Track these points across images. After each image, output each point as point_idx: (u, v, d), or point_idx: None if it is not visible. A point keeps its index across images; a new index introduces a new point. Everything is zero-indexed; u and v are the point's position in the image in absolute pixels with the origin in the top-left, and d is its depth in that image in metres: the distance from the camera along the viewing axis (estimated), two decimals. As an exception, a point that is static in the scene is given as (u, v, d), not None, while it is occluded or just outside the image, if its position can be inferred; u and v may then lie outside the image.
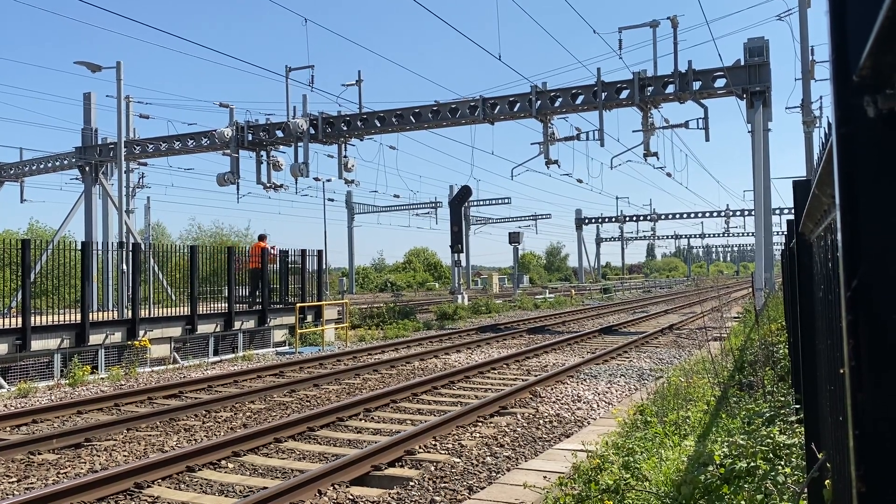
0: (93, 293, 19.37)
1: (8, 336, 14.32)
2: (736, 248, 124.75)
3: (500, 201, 64.76)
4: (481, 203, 64.30)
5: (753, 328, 15.39)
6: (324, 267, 24.63)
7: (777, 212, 53.85)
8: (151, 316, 17.87)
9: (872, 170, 0.71)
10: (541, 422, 9.78)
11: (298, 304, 20.65)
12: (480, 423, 9.68)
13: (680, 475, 4.76)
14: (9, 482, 7.37)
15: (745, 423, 6.02)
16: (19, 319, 14.79)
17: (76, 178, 31.88)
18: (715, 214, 76.30)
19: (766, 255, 21.60)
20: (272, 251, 21.44)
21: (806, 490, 3.30)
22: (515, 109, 24.75)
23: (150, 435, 9.38)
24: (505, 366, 15.31)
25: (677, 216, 78.12)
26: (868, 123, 0.70)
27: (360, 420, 10.13)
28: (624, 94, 23.17)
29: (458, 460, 7.81)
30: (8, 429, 9.98)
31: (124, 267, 19.11)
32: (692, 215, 77.67)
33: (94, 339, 15.95)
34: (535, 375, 13.63)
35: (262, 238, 21.72)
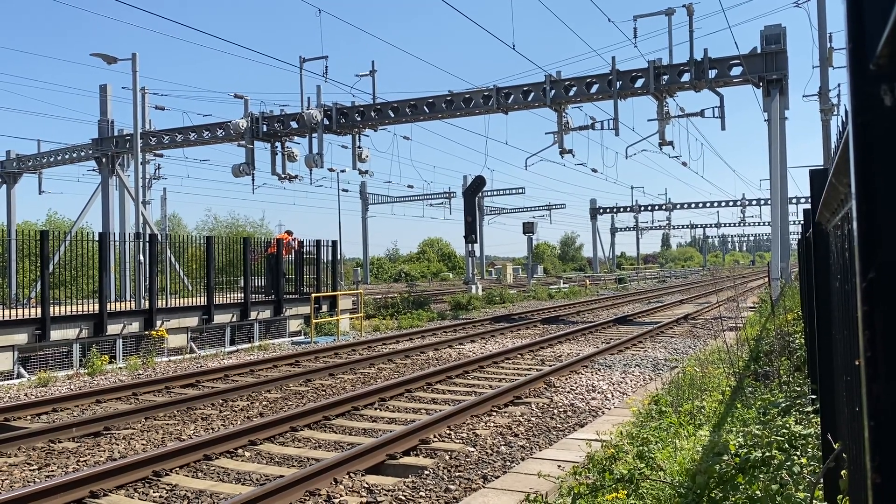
0: (110, 284, 19.56)
1: (28, 326, 14.50)
2: (752, 238, 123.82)
3: (514, 191, 64.59)
4: (495, 193, 64.16)
5: (769, 318, 15.29)
6: (338, 257, 24.71)
7: (794, 201, 53.36)
8: (168, 306, 18.03)
9: (890, 159, 0.71)
10: (555, 411, 9.79)
11: (314, 294, 20.74)
12: (495, 413, 9.71)
13: (695, 465, 4.75)
14: (30, 470, 7.48)
15: (761, 412, 5.99)
16: (39, 310, 14.97)
17: (93, 170, 32.14)
18: (731, 204, 75.78)
19: (782, 244, 21.43)
20: (294, 244, 21.79)
21: (822, 480, 3.29)
22: (529, 99, 24.64)
23: (167, 424, 9.48)
24: (519, 356, 15.31)
25: (693, 205, 77.66)
26: (885, 112, 0.70)
27: (375, 409, 10.18)
28: (639, 82, 23.00)
29: (472, 449, 7.84)
30: (28, 417, 10.13)
31: (141, 258, 19.27)
32: (708, 205, 77.18)
33: (112, 329, 16.12)
34: (550, 365, 13.63)
35: (288, 233, 22.20)
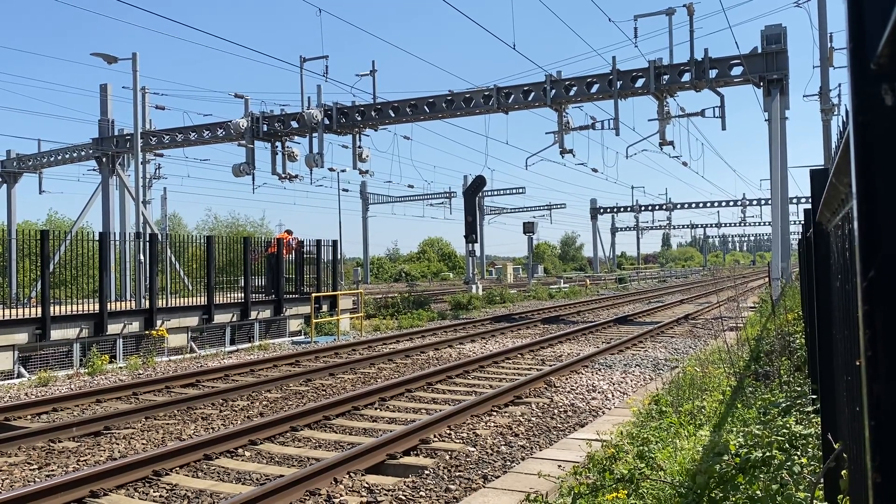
0: (111, 283, 19.56)
1: (28, 325, 14.50)
2: (752, 238, 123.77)
3: (514, 191, 64.61)
4: (496, 193, 64.17)
5: (770, 318, 15.29)
6: (339, 257, 24.71)
7: (794, 201, 53.38)
8: (169, 306, 18.03)
9: (890, 159, 0.71)
10: (555, 411, 9.79)
11: (314, 294, 20.74)
12: (495, 413, 9.71)
13: (695, 465, 4.75)
14: (30, 469, 7.48)
15: (761, 412, 6.00)
16: (39, 309, 14.97)
17: (93, 170, 32.15)
18: (731, 203, 75.82)
19: (782, 244, 21.43)
20: (293, 243, 21.82)
21: (822, 480, 3.29)
22: (530, 98, 24.63)
23: (167, 423, 9.48)
24: (519, 355, 15.31)
25: (693, 205, 77.67)
26: (886, 112, 0.70)
27: (376, 409, 10.18)
28: (639, 82, 23.00)
29: (472, 449, 7.84)
30: (29, 417, 10.13)
31: (141, 257, 19.28)
32: (708, 204, 77.20)
33: (113, 328, 16.12)
34: (550, 365, 13.63)
35: (288, 232, 22.24)
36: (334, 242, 23.32)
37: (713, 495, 4.11)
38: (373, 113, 26.64)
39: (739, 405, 6.87)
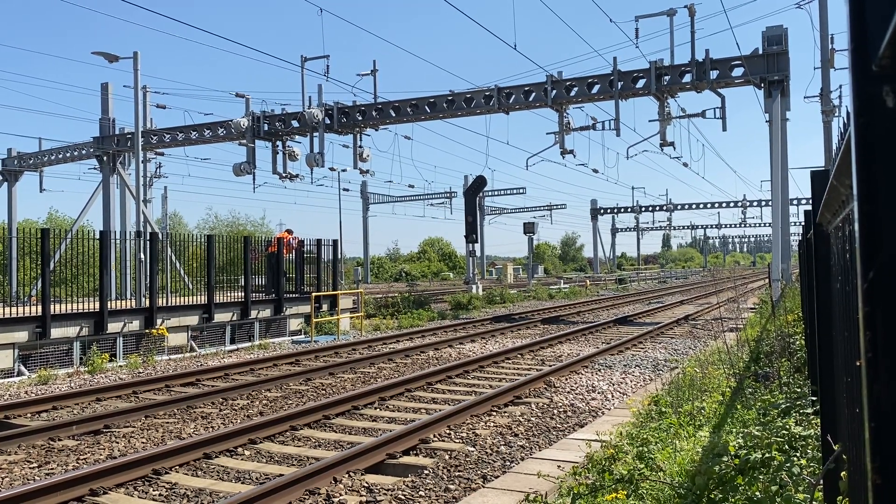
0: (111, 282, 19.55)
1: (28, 324, 14.50)
2: (752, 239, 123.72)
3: (515, 191, 64.62)
4: (496, 193, 64.18)
5: (770, 319, 15.28)
6: (339, 256, 24.72)
7: (795, 202, 53.35)
8: (169, 304, 18.03)
9: (891, 160, 0.71)
10: (555, 412, 9.79)
11: (314, 294, 20.75)
12: (495, 413, 9.71)
13: (694, 466, 4.75)
14: (30, 467, 7.49)
15: (761, 414, 6.00)
16: (39, 308, 14.97)
17: (94, 168, 32.16)
18: (731, 204, 75.79)
19: (783, 245, 21.42)
20: (293, 243, 21.82)
21: (822, 482, 3.29)
22: (531, 99, 24.63)
23: (167, 422, 9.49)
24: (519, 356, 15.31)
25: (693, 206, 77.63)
26: (887, 113, 0.70)
27: (375, 408, 10.18)
28: (640, 83, 22.99)
29: (472, 449, 7.84)
30: (29, 415, 10.13)
31: (142, 256, 19.28)
32: (709, 205, 77.16)
33: (113, 327, 16.12)
34: (550, 365, 13.63)
35: (288, 232, 22.24)
36: (335, 242, 23.32)
37: (712, 496, 4.11)
38: (374, 113, 26.64)
39: (739, 406, 6.87)
